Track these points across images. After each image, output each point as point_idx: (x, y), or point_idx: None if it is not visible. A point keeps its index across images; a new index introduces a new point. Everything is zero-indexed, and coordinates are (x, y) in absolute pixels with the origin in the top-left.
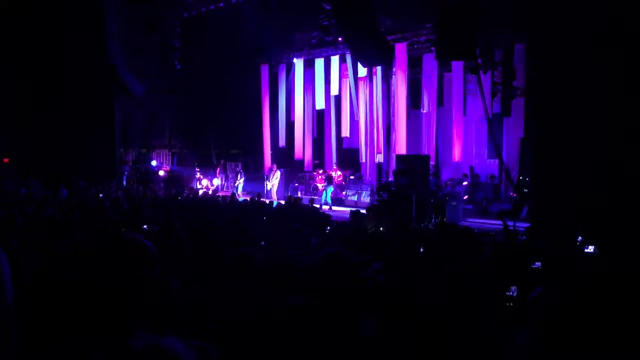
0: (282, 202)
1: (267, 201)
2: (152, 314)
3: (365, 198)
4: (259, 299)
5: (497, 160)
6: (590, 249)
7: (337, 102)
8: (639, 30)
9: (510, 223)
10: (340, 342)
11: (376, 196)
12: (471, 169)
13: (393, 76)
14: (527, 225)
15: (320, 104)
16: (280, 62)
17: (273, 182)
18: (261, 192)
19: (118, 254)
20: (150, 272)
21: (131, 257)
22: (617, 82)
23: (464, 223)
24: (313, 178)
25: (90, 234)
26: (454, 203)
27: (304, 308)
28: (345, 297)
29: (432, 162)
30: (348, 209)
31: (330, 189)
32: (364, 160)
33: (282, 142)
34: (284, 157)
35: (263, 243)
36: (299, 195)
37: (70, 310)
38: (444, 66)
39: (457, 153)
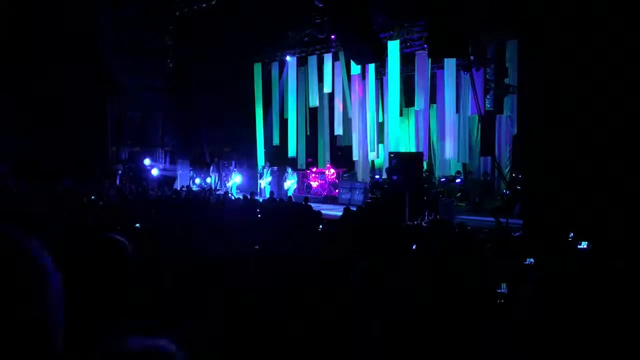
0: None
1: (261, 199)
2: (139, 312)
3: (359, 196)
4: (252, 297)
5: (489, 158)
6: (584, 245)
7: (330, 100)
8: (632, 27)
9: (503, 220)
10: (336, 342)
11: (369, 194)
12: (464, 166)
13: (386, 74)
14: (519, 222)
15: (313, 102)
16: (273, 60)
17: (266, 180)
18: (254, 191)
19: (97, 255)
20: (130, 272)
21: (110, 259)
22: (610, 79)
23: (457, 220)
24: (306, 176)
25: (81, 233)
26: (447, 200)
27: (294, 307)
28: (332, 296)
29: (425, 160)
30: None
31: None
32: (357, 158)
33: (275, 140)
34: (278, 155)
35: (257, 247)
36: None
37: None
38: (437, 63)
39: (450, 150)
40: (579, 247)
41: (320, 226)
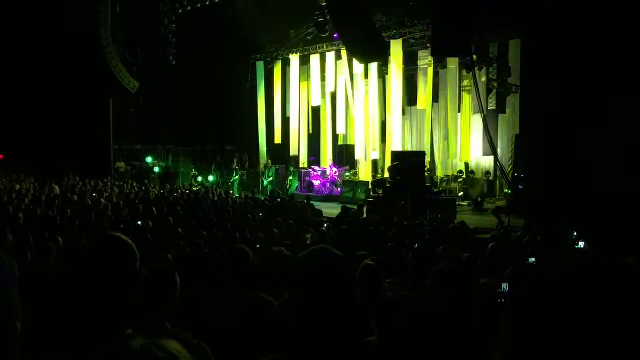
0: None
1: (263, 198)
2: (142, 312)
3: (361, 194)
4: (254, 296)
5: (492, 157)
6: (581, 245)
7: (332, 99)
8: (634, 28)
9: (504, 220)
10: (337, 342)
11: (371, 193)
12: (466, 165)
13: (389, 72)
14: (521, 221)
15: (315, 101)
16: (276, 59)
17: (268, 179)
18: (257, 189)
19: (102, 253)
20: (134, 270)
21: (114, 256)
22: (613, 79)
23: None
24: (308, 175)
25: (84, 231)
26: (449, 199)
27: (296, 306)
28: (336, 294)
29: (427, 159)
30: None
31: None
32: (359, 157)
33: (277, 138)
34: (280, 153)
35: (258, 246)
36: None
37: (66, 308)
38: (440, 62)
39: (452, 149)
40: (576, 247)
41: (326, 225)
